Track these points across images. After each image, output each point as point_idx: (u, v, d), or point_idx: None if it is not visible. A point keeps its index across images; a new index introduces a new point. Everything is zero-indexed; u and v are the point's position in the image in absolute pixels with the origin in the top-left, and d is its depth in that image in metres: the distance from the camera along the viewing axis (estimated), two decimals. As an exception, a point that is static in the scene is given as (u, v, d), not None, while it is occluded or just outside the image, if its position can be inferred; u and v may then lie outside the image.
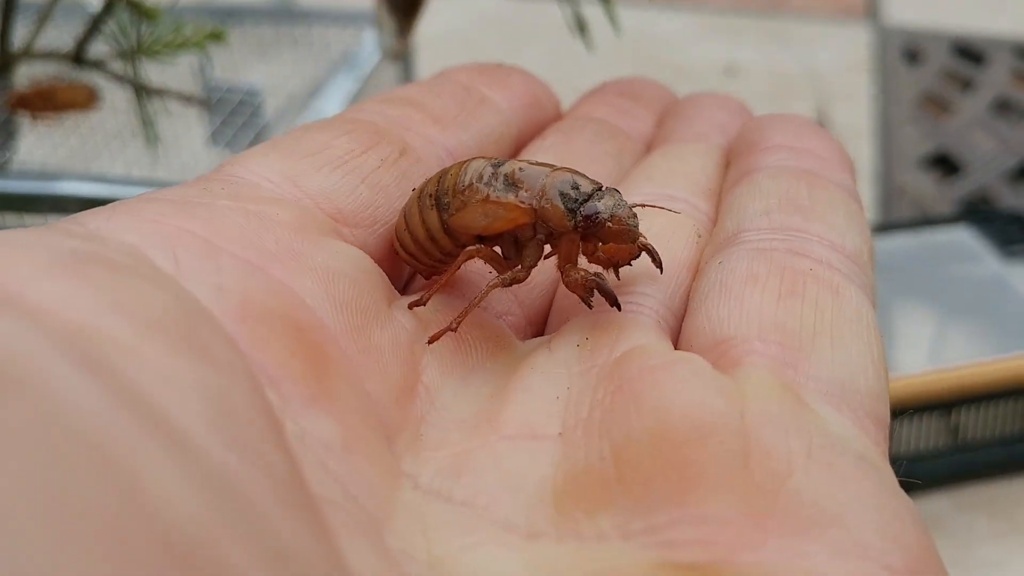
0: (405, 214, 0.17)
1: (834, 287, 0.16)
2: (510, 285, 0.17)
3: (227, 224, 0.15)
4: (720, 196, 0.19)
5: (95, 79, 0.44)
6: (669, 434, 0.13)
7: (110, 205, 0.15)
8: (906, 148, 0.72)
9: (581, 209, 0.16)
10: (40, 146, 0.50)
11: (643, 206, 0.17)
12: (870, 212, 0.65)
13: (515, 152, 0.22)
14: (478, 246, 0.17)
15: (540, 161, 0.17)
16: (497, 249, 0.17)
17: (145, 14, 0.38)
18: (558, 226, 0.17)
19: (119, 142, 0.47)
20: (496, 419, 0.15)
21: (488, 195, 0.17)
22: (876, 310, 0.16)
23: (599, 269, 0.17)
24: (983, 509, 0.44)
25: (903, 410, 0.44)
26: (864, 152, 0.71)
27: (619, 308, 0.16)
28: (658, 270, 0.17)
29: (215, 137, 0.44)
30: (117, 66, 0.43)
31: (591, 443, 0.14)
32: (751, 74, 0.83)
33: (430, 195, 0.17)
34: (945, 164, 0.71)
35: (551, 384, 0.15)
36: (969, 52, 0.86)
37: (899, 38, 0.88)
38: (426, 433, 0.15)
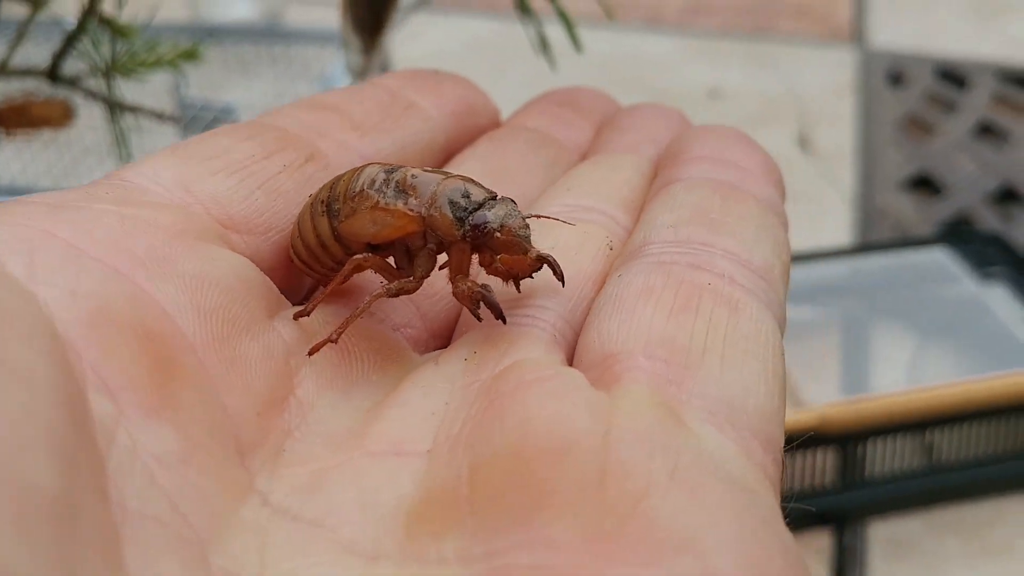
0: (298, 221, 0.17)
1: (733, 303, 0.15)
2: (397, 295, 0.16)
3: (97, 228, 0.15)
4: (642, 209, 0.19)
5: (70, 95, 0.44)
6: (526, 451, 0.13)
7: None
8: (888, 170, 0.72)
9: (470, 218, 0.16)
10: (16, 160, 0.50)
11: (539, 217, 0.17)
12: (850, 235, 0.65)
13: (445, 159, 0.21)
14: (366, 255, 0.17)
15: (441, 169, 0.17)
16: (390, 259, 0.17)
17: (119, 32, 0.39)
18: (446, 235, 0.16)
19: (95, 157, 0.47)
20: (365, 434, 0.15)
21: (377, 201, 0.16)
22: (784, 328, 0.16)
23: (495, 280, 0.17)
24: (955, 531, 0.44)
25: (878, 431, 0.44)
26: (846, 174, 0.72)
27: (504, 321, 0.16)
28: (560, 283, 0.16)
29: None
30: (92, 83, 0.43)
31: (454, 462, 0.14)
32: (736, 97, 0.83)
33: (322, 201, 0.17)
34: (927, 186, 0.72)
35: (430, 399, 0.15)
36: (952, 76, 0.86)
37: (884, 61, 0.88)
38: (290, 448, 0.14)
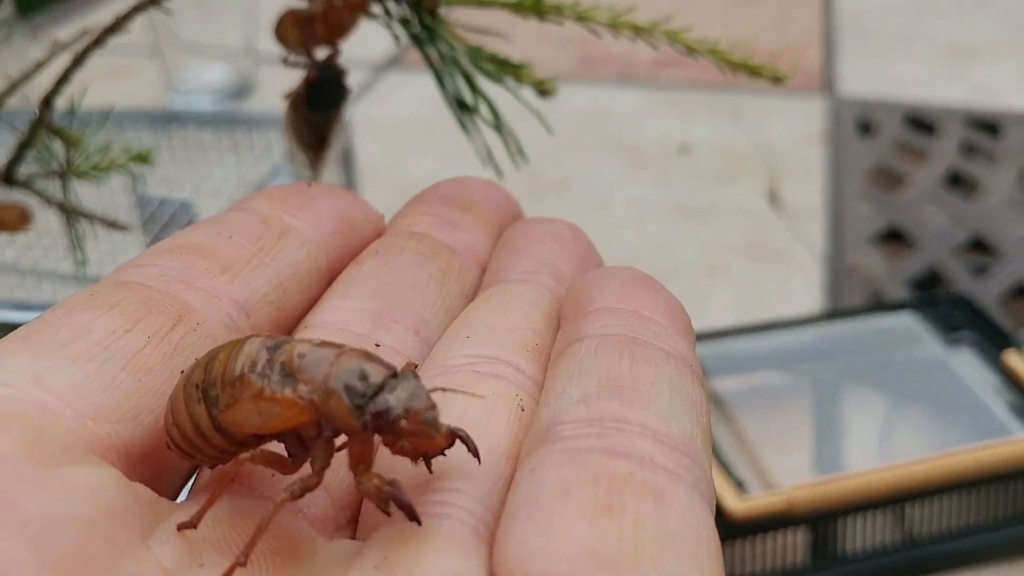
0: (171, 405, 0.15)
1: (658, 493, 0.14)
2: (302, 495, 0.15)
3: None
4: (547, 361, 0.18)
5: (26, 199, 0.44)
6: None
7: None
8: (858, 226, 0.73)
9: (370, 405, 0.14)
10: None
11: (446, 391, 0.16)
12: (820, 294, 0.65)
13: (327, 284, 0.20)
14: (252, 453, 0.15)
15: (326, 340, 0.15)
16: (274, 450, 0.15)
17: (68, 142, 0.38)
18: (344, 425, 0.15)
19: (55, 258, 0.47)
20: None
21: (262, 389, 0.15)
22: (713, 506, 0.15)
23: (404, 463, 0.15)
24: (931, 609, 0.43)
25: (852, 508, 0.44)
26: (815, 231, 0.72)
27: (419, 523, 0.14)
28: (476, 460, 0.15)
29: (147, 254, 0.44)
30: (47, 184, 0.43)
31: None
32: (705, 151, 0.83)
33: (196, 386, 0.15)
34: (897, 239, 0.72)
35: None
36: (922, 122, 0.86)
37: (853, 109, 0.89)
38: None
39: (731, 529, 0.41)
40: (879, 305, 0.57)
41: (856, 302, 0.63)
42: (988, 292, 0.65)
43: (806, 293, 0.65)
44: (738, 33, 1.05)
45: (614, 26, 0.28)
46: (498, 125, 0.29)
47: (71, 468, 0.14)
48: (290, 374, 0.15)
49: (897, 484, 0.43)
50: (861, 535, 0.44)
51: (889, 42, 1.04)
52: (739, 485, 0.43)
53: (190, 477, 0.17)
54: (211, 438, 0.15)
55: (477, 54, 0.29)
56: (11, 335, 0.16)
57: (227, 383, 0.15)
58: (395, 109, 0.91)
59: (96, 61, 0.39)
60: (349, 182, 0.53)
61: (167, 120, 0.53)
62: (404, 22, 0.29)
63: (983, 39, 1.03)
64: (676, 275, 0.66)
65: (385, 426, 0.14)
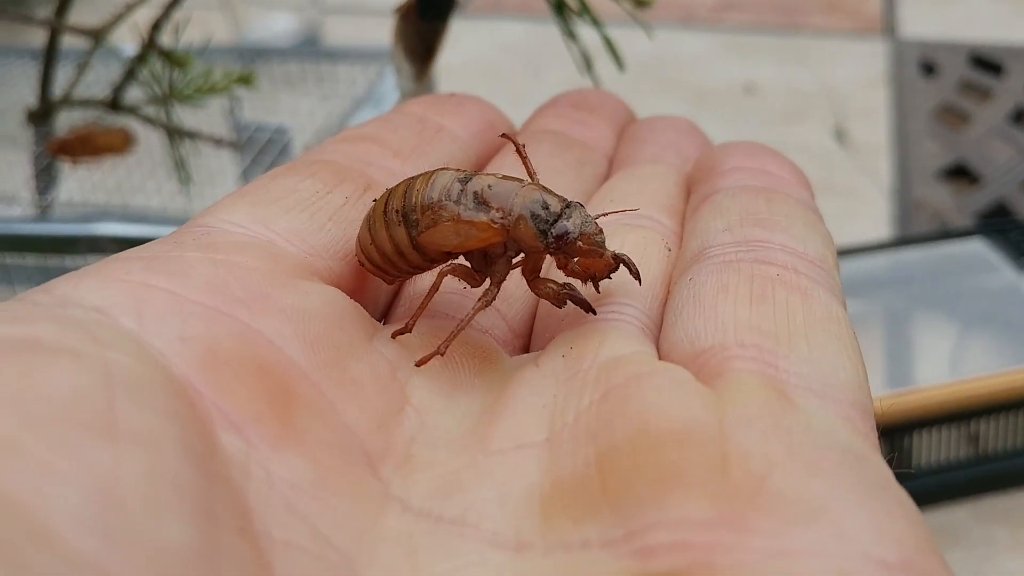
0: (370, 229, 0.17)
1: (802, 290, 0.16)
2: (490, 304, 0.17)
3: (193, 275, 0.15)
4: (684, 218, 0.20)
5: (131, 123, 0.46)
6: (650, 440, 0.14)
7: (82, 269, 0.15)
8: (924, 162, 0.73)
9: (552, 229, 0.17)
10: (80, 188, 0.52)
11: (607, 215, 0.18)
12: (888, 228, 0.66)
13: None
14: (452, 265, 0.17)
15: (505, 175, 0.17)
16: (466, 264, 0.18)
17: (176, 63, 0.40)
18: (530, 246, 0.17)
19: (154, 182, 0.49)
20: (485, 436, 0.15)
21: (459, 214, 0.17)
22: (846, 310, 0.17)
23: (574, 281, 0.17)
24: (1003, 520, 0.45)
25: (923, 422, 0.45)
26: (882, 167, 0.72)
27: (594, 313, 0.17)
28: (637, 282, 0.17)
29: (247, 175, 0.46)
30: (151, 110, 0.45)
31: (577, 449, 0.14)
32: (769, 92, 0.84)
33: (396, 210, 0.17)
34: (964, 175, 0.72)
35: (538, 395, 0.16)
36: (986, 62, 0.86)
37: (916, 51, 0.89)
38: (417, 453, 0.15)
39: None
40: (949, 232, 0.57)
41: (924, 232, 0.64)
42: (1056, 225, 0.65)
43: (874, 228, 0.66)
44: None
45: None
46: (596, 22, 0.30)
47: (306, 281, 0.16)
48: (482, 202, 0.17)
49: (967, 399, 0.45)
50: (934, 449, 0.45)
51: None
52: (816, 398, 0.44)
53: (381, 317, 0.19)
54: (408, 255, 0.17)
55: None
56: (230, 195, 0.18)
57: (425, 208, 0.17)
58: (462, 55, 0.92)
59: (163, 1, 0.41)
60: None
61: (256, 54, 0.55)
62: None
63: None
64: (743, 211, 0.67)
65: (563, 246, 0.17)
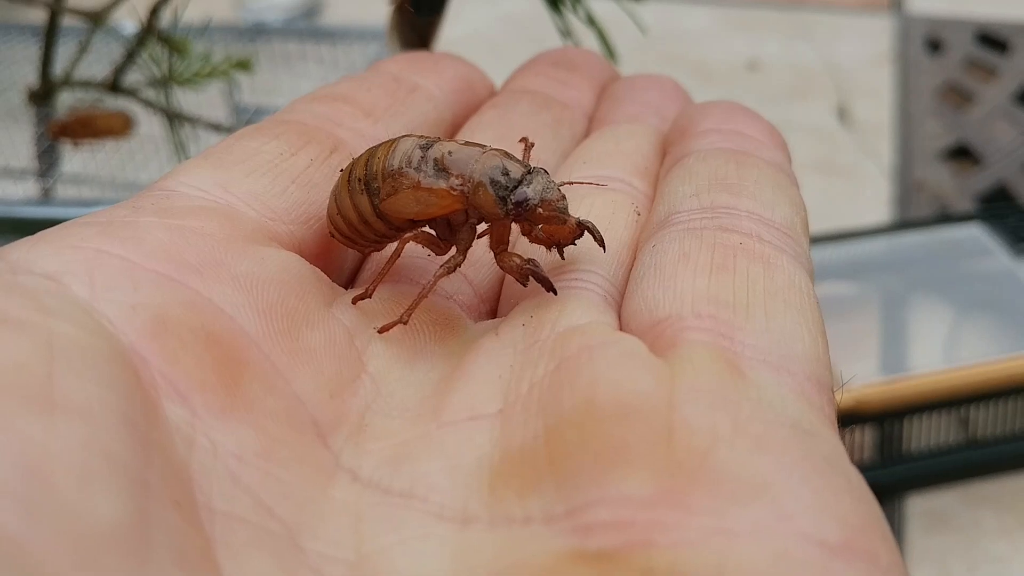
0: (336, 198, 0.17)
1: (765, 258, 0.16)
2: (453, 271, 0.17)
3: (148, 241, 0.15)
4: (657, 180, 0.20)
5: (130, 106, 0.46)
6: (596, 413, 0.13)
7: (37, 234, 0.15)
8: (926, 142, 0.73)
9: (511, 196, 0.17)
10: (84, 168, 0.52)
11: (573, 183, 0.18)
12: (888, 208, 0.66)
13: (452, 135, 0.21)
14: (416, 232, 0.17)
15: (468, 141, 0.17)
16: (431, 231, 0.18)
17: (176, 49, 0.40)
18: (490, 213, 0.17)
19: (156, 164, 0.50)
20: (439, 406, 0.15)
21: (419, 181, 0.17)
22: (812, 278, 0.17)
23: (539, 252, 0.17)
24: (991, 504, 0.45)
25: (919, 408, 0.46)
26: (885, 146, 0.72)
27: (555, 293, 0.16)
28: (601, 249, 0.17)
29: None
30: (150, 93, 0.45)
31: (528, 421, 0.14)
32: (773, 69, 0.84)
33: (359, 179, 0.17)
34: (965, 156, 0.72)
35: (495, 365, 0.15)
36: (993, 40, 0.86)
37: (922, 27, 0.88)
38: (371, 422, 0.15)
39: (800, 425, 0.43)
40: (947, 217, 0.58)
41: (923, 216, 0.64)
42: (1056, 208, 0.65)
43: (874, 207, 0.66)
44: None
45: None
46: (591, 20, 0.30)
47: (263, 247, 0.16)
48: (442, 169, 0.17)
49: (961, 385, 0.45)
50: (925, 434, 0.46)
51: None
52: (808, 384, 0.45)
53: (348, 282, 0.19)
54: (373, 224, 0.17)
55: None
56: (193, 157, 0.18)
57: (387, 176, 0.17)
58: (462, 28, 0.92)
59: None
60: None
61: (256, 33, 0.55)
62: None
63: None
64: (744, 190, 0.67)
65: (524, 213, 0.17)
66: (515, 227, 0.18)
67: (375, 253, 0.19)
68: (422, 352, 0.16)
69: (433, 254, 0.18)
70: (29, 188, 0.52)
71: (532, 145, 0.20)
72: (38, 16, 0.57)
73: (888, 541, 0.12)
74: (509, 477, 0.14)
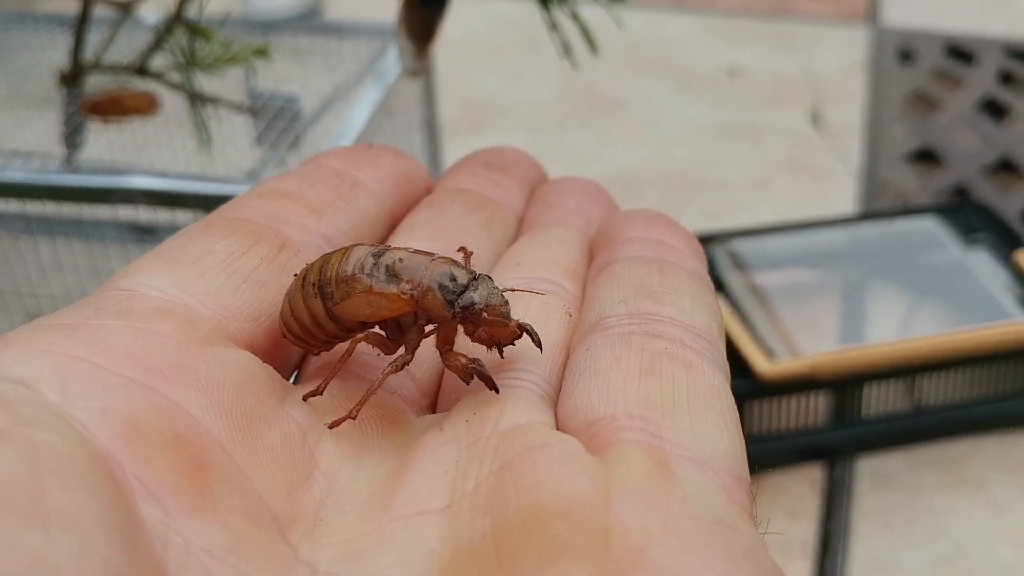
0: (289, 301, 0.18)
1: (687, 363, 0.17)
2: (401, 368, 0.18)
3: (114, 345, 0.16)
4: (585, 284, 0.21)
5: (156, 88, 0.50)
6: (539, 514, 0.14)
7: (4, 336, 0.16)
8: (893, 146, 0.78)
9: (458, 300, 0.18)
10: (110, 146, 0.56)
11: (514, 291, 0.19)
12: (854, 207, 0.70)
13: (390, 228, 0.23)
14: (367, 333, 0.19)
15: (417, 249, 0.19)
16: (381, 332, 0.19)
17: (202, 35, 0.45)
18: (438, 316, 0.18)
19: (180, 140, 0.54)
20: (389, 500, 0.16)
21: (371, 286, 0.18)
22: (728, 379, 0.18)
23: (480, 350, 0.19)
24: (934, 466, 0.49)
25: (871, 376, 0.50)
26: (854, 151, 0.77)
27: (497, 391, 0.18)
28: (538, 349, 0.18)
29: (260, 139, 0.50)
30: (174, 77, 0.49)
31: (475, 519, 0.15)
32: (752, 76, 0.88)
33: (313, 283, 0.18)
34: (929, 159, 0.77)
35: (440, 461, 0.16)
36: (960, 52, 0.91)
37: (895, 39, 0.93)
38: (325, 517, 0.16)
39: (760, 389, 0.48)
40: (905, 210, 0.62)
41: (883, 208, 0.69)
42: (1010, 209, 0.70)
43: (842, 206, 0.70)
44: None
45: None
46: (576, 16, 0.35)
47: (219, 348, 0.17)
48: (394, 275, 0.18)
49: (910, 355, 0.49)
50: (876, 401, 0.50)
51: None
52: (769, 352, 0.49)
53: (292, 374, 0.20)
54: (325, 326, 0.18)
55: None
56: (147, 255, 0.19)
57: (340, 281, 0.18)
58: (459, 29, 0.96)
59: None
60: (429, 91, 0.59)
61: (268, 27, 0.59)
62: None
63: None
64: (723, 189, 0.72)
65: (470, 316, 0.18)
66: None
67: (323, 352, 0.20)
68: (370, 447, 0.17)
69: (382, 353, 0.19)
70: (53, 167, 0.56)
71: (471, 253, 0.21)
72: (58, 5, 0.62)
73: None
74: (459, 571, 0.14)
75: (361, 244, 0.19)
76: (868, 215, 0.64)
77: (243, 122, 0.52)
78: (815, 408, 0.49)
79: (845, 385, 0.49)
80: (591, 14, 0.36)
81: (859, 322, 0.55)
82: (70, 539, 0.12)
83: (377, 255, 0.18)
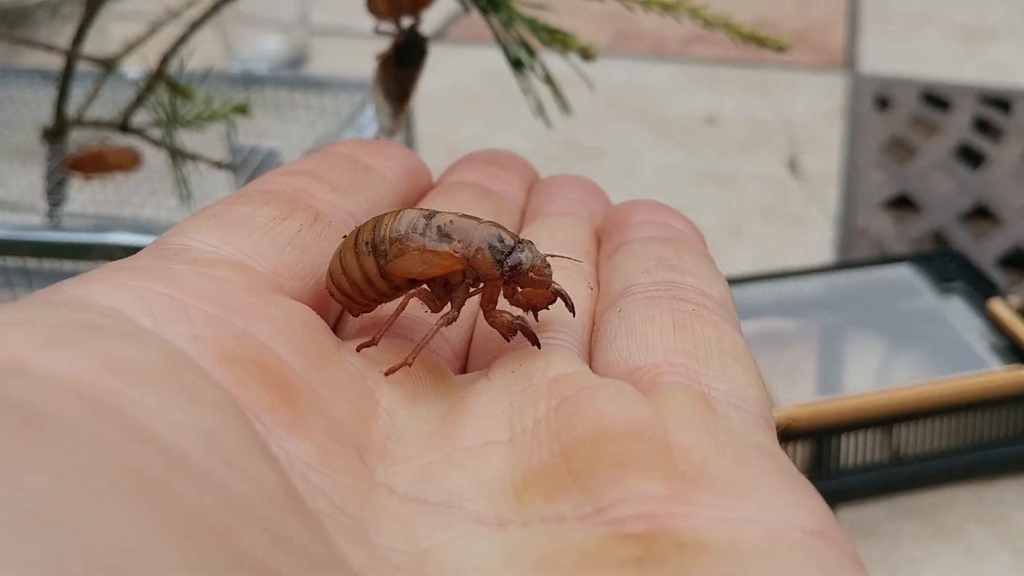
0: (341, 259, 0.19)
1: (713, 323, 0.19)
2: (450, 323, 0.19)
3: (188, 284, 0.17)
4: (598, 264, 0.22)
5: (137, 143, 0.50)
6: (607, 434, 0.16)
7: (81, 275, 0.16)
8: (870, 192, 0.78)
9: (507, 260, 0.19)
10: (93, 200, 0.57)
11: (552, 256, 0.20)
12: (831, 253, 0.71)
13: None
14: (420, 289, 0.19)
15: (470, 215, 0.20)
16: (428, 289, 0.20)
17: (182, 93, 0.45)
18: (487, 274, 0.19)
19: (162, 195, 0.54)
20: (452, 435, 0.17)
21: (424, 244, 0.19)
22: (745, 341, 0.20)
23: (520, 312, 0.20)
24: (912, 516, 0.50)
25: (848, 426, 0.50)
26: (831, 198, 0.78)
27: (539, 347, 0.19)
28: (571, 313, 0.20)
29: (240, 194, 0.51)
30: (156, 132, 0.49)
31: (542, 446, 0.16)
32: (730, 123, 0.89)
33: (366, 242, 0.19)
34: (906, 205, 0.78)
35: (495, 403, 0.18)
36: (936, 98, 0.92)
37: (872, 85, 0.95)
38: (393, 449, 0.17)
39: (739, 440, 0.48)
40: (881, 258, 0.63)
41: (859, 257, 0.69)
42: (986, 255, 0.70)
43: (819, 253, 0.71)
44: (765, 13, 1.11)
45: (647, 3, 0.35)
46: (549, 79, 0.35)
47: (281, 296, 0.18)
48: (445, 235, 0.19)
49: (887, 406, 0.50)
50: (855, 452, 0.50)
51: (909, 22, 1.09)
52: (747, 403, 0.50)
53: None
54: (376, 283, 0.19)
55: (534, 23, 0.35)
56: (194, 216, 0.20)
57: (394, 240, 0.19)
58: (443, 80, 0.97)
59: (165, 30, 0.46)
60: (409, 143, 0.60)
61: (249, 80, 0.59)
62: (473, -4, 0.36)
63: (997, 20, 1.08)
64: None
65: (516, 276, 0.19)
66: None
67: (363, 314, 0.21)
68: (421, 394, 0.18)
69: (430, 311, 0.20)
70: (33, 220, 0.57)
71: None
72: (41, 59, 0.62)
73: (844, 533, 0.15)
74: (533, 488, 0.16)
75: (410, 208, 0.20)
76: (844, 264, 0.65)
77: (224, 177, 0.52)
78: (793, 458, 0.50)
79: (823, 435, 0.50)
80: (564, 68, 0.37)
81: (836, 370, 0.56)
82: (219, 417, 0.14)
83: (428, 217, 0.19)
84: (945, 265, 0.60)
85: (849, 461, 0.50)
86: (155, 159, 0.52)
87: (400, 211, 0.20)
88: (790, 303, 0.59)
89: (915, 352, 0.56)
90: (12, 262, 0.47)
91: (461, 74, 0.97)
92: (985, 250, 0.71)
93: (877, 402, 0.50)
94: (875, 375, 0.55)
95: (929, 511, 0.50)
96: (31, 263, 0.47)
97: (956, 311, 0.57)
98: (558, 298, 0.19)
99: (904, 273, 0.60)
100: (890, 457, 0.51)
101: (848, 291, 0.60)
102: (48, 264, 0.46)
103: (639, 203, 0.24)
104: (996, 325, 0.55)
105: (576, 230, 0.23)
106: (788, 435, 0.49)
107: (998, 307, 0.56)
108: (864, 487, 0.51)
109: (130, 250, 0.43)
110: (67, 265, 0.46)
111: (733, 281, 0.60)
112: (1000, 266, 0.69)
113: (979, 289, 0.58)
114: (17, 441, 0.11)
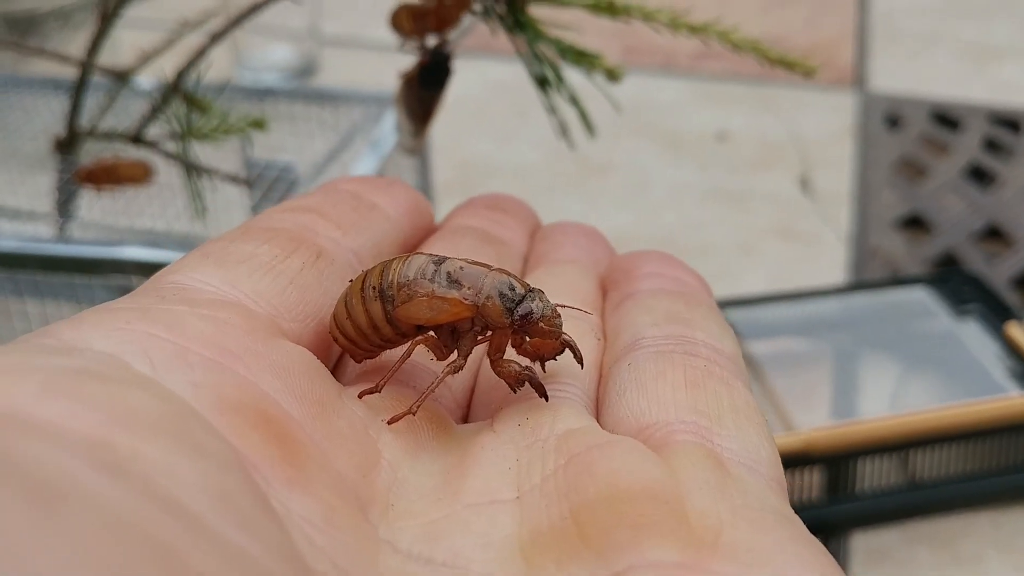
0: (347, 304, 0.19)
1: (725, 380, 0.19)
2: (455, 372, 0.19)
3: (188, 327, 0.16)
4: (604, 314, 0.22)
5: (150, 156, 0.50)
6: (623, 495, 0.15)
7: (73, 317, 0.16)
8: (882, 211, 0.78)
9: (517, 309, 0.18)
10: (104, 213, 0.56)
11: (562, 307, 0.19)
12: (844, 273, 0.70)
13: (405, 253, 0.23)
14: (426, 335, 0.19)
15: (479, 262, 0.19)
16: (435, 336, 0.19)
17: (199, 107, 0.45)
18: (496, 323, 0.19)
19: (175, 209, 0.54)
20: (457, 491, 0.16)
21: (433, 291, 0.18)
22: (755, 400, 0.19)
23: (528, 362, 0.19)
24: (928, 542, 0.49)
25: (865, 451, 0.50)
26: (842, 217, 0.77)
27: (547, 399, 0.18)
28: (579, 365, 0.19)
29: (256, 208, 0.50)
30: (170, 146, 0.49)
31: (551, 505, 0.16)
32: (741, 139, 0.89)
33: (373, 287, 0.19)
34: (918, 225, 0.77)
35: (501, 458, 0.17)
36: (946, 118, 0.92)
37: (882, 105, 0.94)
38: (396, 503, 0.16)
39: (755, 463, 0.47)
40: (896, 280, 0.62)
41: (874, 279, 0.69)
42: (999, 276, 0.70)
43: (831, 272, 0.71)
44: (774, 31, 1.10)
45: (674, 26, 0.34)
46: (575, 100, 0.35)
47: (281, 339, 0.18)
48: (455, 281, 0.19)
49: (904, 431, 0.49)
50: (871, 476, 0.50)
51: (918, 41, 1.09)
52: (764, 427, 0.49)
53: None
54: (381, 329, 0.19)
55: (561, 44, 0.35)
56: (192, 253, 0.19)
57: (402, 285, 0.19)
58: (451, 93, 0.97)
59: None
60: (425, 158, 0.60)
61: (264, 93, 0.59)
62: (499, 17, 0.35)
63: (1007, 40, 1.08)
64: (711, 254, 0.72)
65: (526, 325, 0.18)
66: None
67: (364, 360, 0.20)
68: (423, 445, 0.18)
69: (435, 358, 0.19)
70: (42, 230, 0.56)
71: None
72: (52, 67, 0.62)
73: None
74: (544, 550, 0.15)
75: (420, 253, 0.19)
76: (859, 285, 0.64)
77: (239, 191, 0.52)
78: (809, 483, 0.49)
79: (839, 460, 0.49)
80: (582, 82, 0.37)
81: (851, 393, 0.55)
82: (226, 473, 0.13)
83: (438, 262, 0.19)
84: (960, 287, 0.59)
85: (865, 485, 0.50)
86: (170, 172, 0.52)
87: (409, 256, 0.19)
88: (805, 324, 0.59)
89: (931, 375, 0.56)
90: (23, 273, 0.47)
91: (470, 87, 0.97)
92: (998, 271, 0.70)
93: (893, 427, 0.50)
94: (890, 398, 0.55)
95: (945, 537, 0.49)
96: (41, 276, 0.46)
97: (972, 334, 0.57)
98: (566, 349, 0.19)
99: (919, 295, 0.59)
100: (906, 482, 0.51)
101: (863, 312, 0.60)
102: (59, 279, 0.45)
103: (647, 253, 0.23)
104: (1013, 349, 0.55)
105: (582, 279, 0.23)
106: (805, 459, 0.48)
107: (1015, 331, 0.55)
108: (880, 512, 0.50)
109: (141, 265, 0.42)
110: (78, 278, 0.45)
111: (747, 301, 0.60)
112: (1014, 287, 0.69)
113: (995, 312, 0.57)
114: (27, 518, 0.11)
